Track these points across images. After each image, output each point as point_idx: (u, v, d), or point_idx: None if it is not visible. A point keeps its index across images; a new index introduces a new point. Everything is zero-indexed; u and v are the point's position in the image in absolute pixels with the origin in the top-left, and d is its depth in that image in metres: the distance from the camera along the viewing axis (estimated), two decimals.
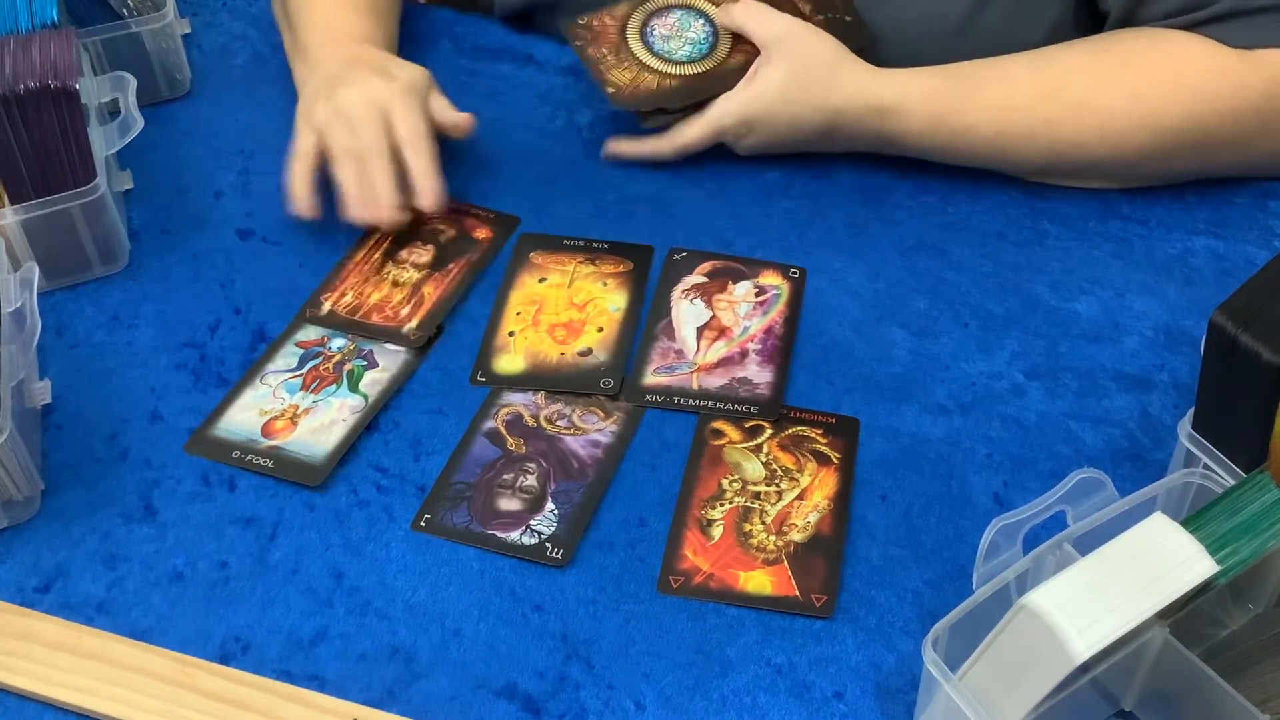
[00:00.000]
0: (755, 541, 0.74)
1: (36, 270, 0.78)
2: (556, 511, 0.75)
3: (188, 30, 1.08)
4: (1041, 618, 0.57)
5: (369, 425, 0.80)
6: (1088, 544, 0.62)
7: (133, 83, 0.92)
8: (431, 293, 0.88)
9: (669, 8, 0.92)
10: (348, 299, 0.88)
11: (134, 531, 0.75)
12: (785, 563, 0.73)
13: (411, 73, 0.93)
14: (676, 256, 0.90)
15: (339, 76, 0.92)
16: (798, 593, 0.71)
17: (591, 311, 0.87)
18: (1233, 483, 0.64)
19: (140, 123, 0.89)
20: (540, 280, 0.89)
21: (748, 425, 0.80)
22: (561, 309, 0.87)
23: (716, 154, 0.98)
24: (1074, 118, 0.88)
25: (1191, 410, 0.70)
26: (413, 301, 0.87)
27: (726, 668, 0.69)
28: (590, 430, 0.79)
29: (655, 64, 0.92)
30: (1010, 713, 0.59)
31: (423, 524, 0.76)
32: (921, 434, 0.80)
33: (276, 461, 0.78)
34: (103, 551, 0.75)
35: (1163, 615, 0.60)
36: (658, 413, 0.81)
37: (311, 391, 0.82)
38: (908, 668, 0.69)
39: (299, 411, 0.81)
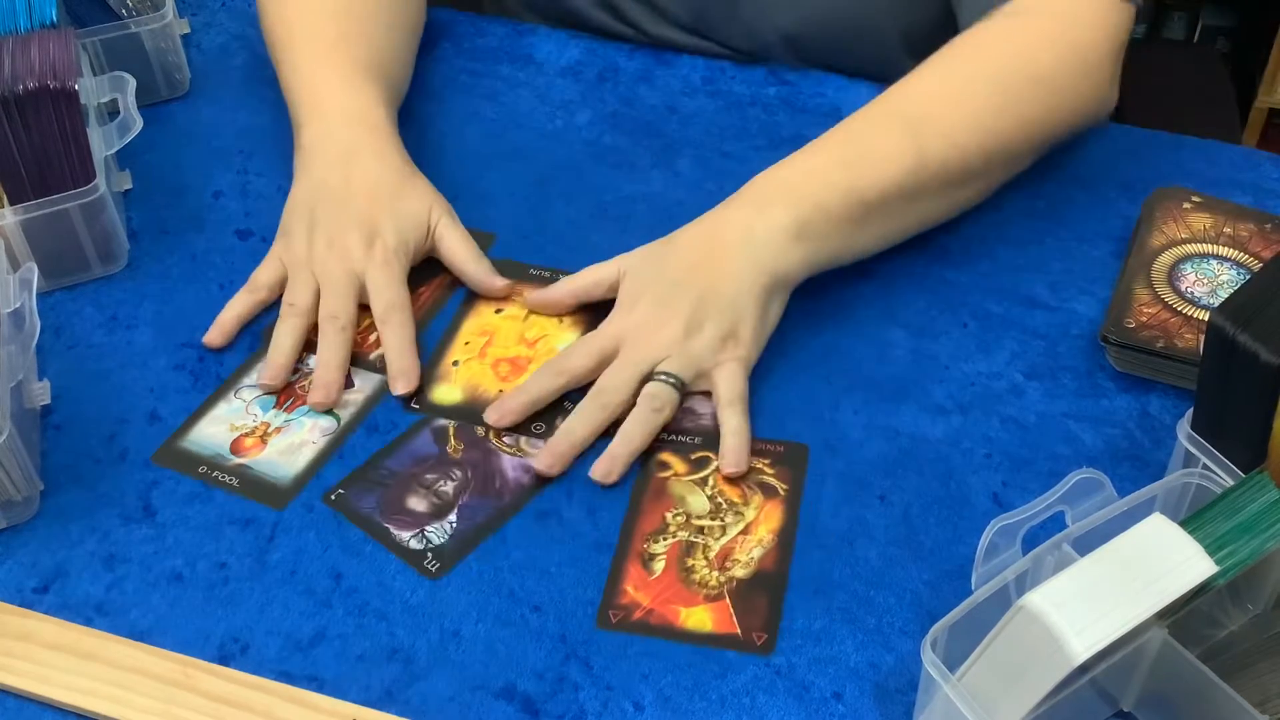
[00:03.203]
0: (697, 577, 0.72)
1: (35, 271, 0.78)
2: (455, 524, 0.75)
3: (187, 30, 1.08)
4: (1040, 618, 0.57)
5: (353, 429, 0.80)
6: (1087, 544, 0.62)
7: (132, 83, 0.92)
8: None
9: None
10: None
11: (133, 532, 0.75)
12: (727, 599, 0.72)
13: (404, 225, 0.86)
14: None
15: (326, 213, 0.86)
16: (738, 630, 0.70)
17: (540, 349, 0.84)
18: (1232, 483, 0.64)
19: (139, 123, 0.89)
20: (496, 311, 0.87)
21: (694, 457, 0.78)
22: (511, 344, 0.85)
23: (716, 154, 0.98)
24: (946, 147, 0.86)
25: (1190, 410, 0.70)
26: None
27: (725, 668, 0.69)
28: (530, 454, 0.78)
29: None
30: (1009, 713, 0.59)
31: (333, 498, 0.76)
32: (920, 434, 0.80)
33: (242, 480, 0.77)
34: (102, 552, 0.75)
35: (1162, 616, 0.60)
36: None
37: (285, 410, 0.81)
38: (907, 668, 0.69)
39: (270, 430, 0.80)
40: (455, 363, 0.84)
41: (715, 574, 0.72)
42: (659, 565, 0.73)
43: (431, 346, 0.85)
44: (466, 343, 0.85)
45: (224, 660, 0.70)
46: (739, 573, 0.73)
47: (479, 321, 0.87)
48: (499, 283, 0.87)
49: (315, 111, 0.91)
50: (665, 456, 0.78)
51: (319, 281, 0.85)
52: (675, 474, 0.77)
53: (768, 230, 0.81)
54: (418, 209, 0.88)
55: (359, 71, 0.93)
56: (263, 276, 0.87)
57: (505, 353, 0.84)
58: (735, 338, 0.80)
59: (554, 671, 0.69)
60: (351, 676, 0.69)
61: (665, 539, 0.74)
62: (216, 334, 0.85)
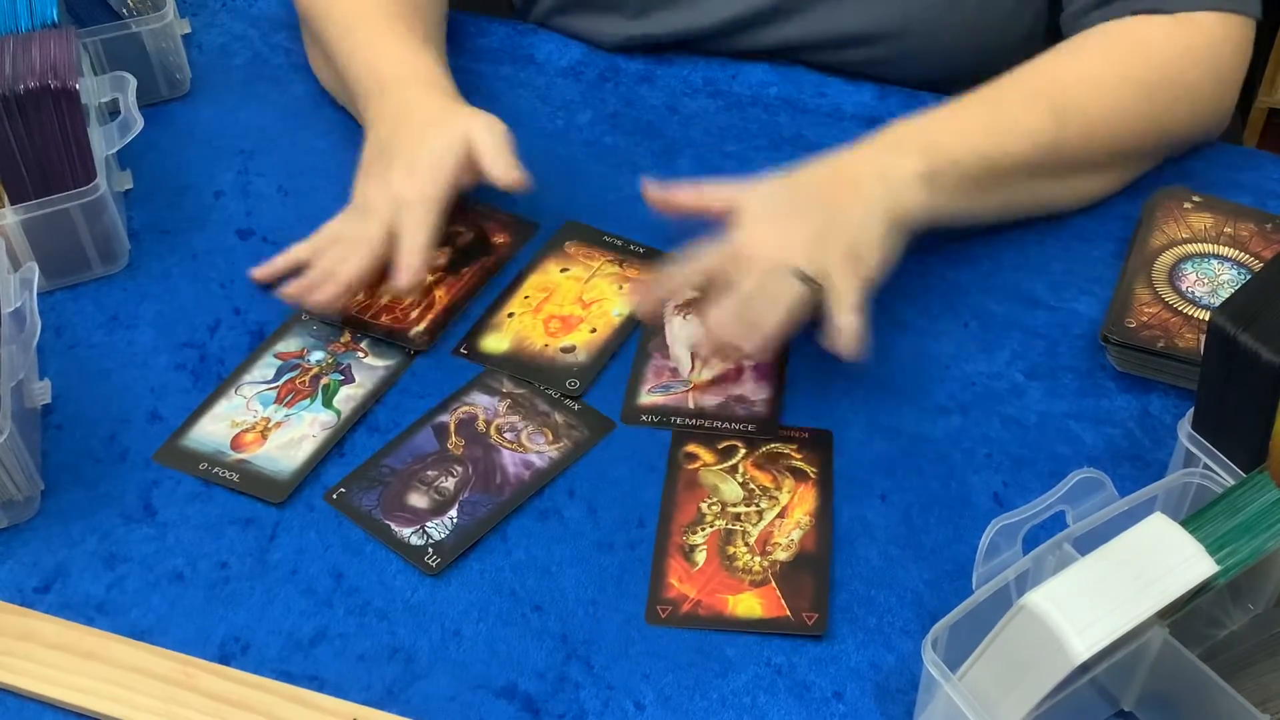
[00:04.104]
0: (740, 564, 0.73)
1: (36, 270, 0.78)
2: (456, 520, 0.75)
3: (188, 30, 1.08)
4: (1041, 618, 0.57)
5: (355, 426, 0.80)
6: (1087, 544, 0.62)
7: (133, 83, 0.92)
8: (443, 296, 0.87)
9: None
10: (359, 296, 0.87)
11: (134, 531, 0.75)
12: (773, 583, 0.72)
13: (439, 146, 0.86)
14: None
15: (380, 161, 0.88)
16: (789, 613, 0.71)
17: (594, 312, 0.86)
18: (1232, 483, 0.64)
19: (140, 123, 0.89)
20: (562, 270, 0.89)
21: (721, 446, 0.79)
22: (567, 302, 0.87)
23: (716, 154, 0.98)
24: (1080, 125, 0.88)
25: (1191, 410, 0.70)
26: (423, 304, 0.87)
27: (726, 668, 0.69)
28: (530, 450, 0.79)
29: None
30: (1010, 713, 0.59)
31: (335, 497, 0.76)
32: (921, 434, 0.80)
33: (242, 476, 0.77)
34: (103, 551, 0.75)
35: (1162, 615, 0.60)
36: (633, 427, 0.80)
37: (285, 405, 0.81)
38: (907, 668, 0.69)
39: (270, 425, 0.80)
40: (510, 314, 0.86)
41: (758, 559, 0.73)
42: (700, 556, 0.73)
43: (492, 298, 0.87)
44: (526, 297, 0.88)
45: (225, 660, 0.70)
46: (781, 556, 0.73)
47: (542, 278, 0.89)
48: (515, 174, 0.86)
49: (378, 85, 0.92)
50: (692, 448, 0.79)
51: (360, 213, 0.86)
52: (704, 464, 0.78)
53: (900, 172, 0.82)
54: (454, 130, 0.87)
55: (418, 41, 0.95)
56: (329, 228, 0.88)
57: (559, 310, 0.86)
58: (860, 258, 0.79)
59: (555, 671, 0.69)
60: (352, 676, 0.69)
61: (703, 529, 0.74)
62: (265, 270, 0.87)
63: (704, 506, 0.76)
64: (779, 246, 0.79)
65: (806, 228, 0.79)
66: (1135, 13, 0.91)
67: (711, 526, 0.75)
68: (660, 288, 0.81)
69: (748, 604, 0.71)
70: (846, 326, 0.77)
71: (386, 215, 0.85)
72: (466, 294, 0.88)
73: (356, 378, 0.83)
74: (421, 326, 0.85)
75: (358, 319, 0.86)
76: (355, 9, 0.97)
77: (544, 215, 0.94)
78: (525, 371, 0.83)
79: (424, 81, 0.92)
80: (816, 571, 0.72)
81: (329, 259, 0.85)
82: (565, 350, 0.84)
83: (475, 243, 0.91)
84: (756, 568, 0.73)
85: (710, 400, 0.81)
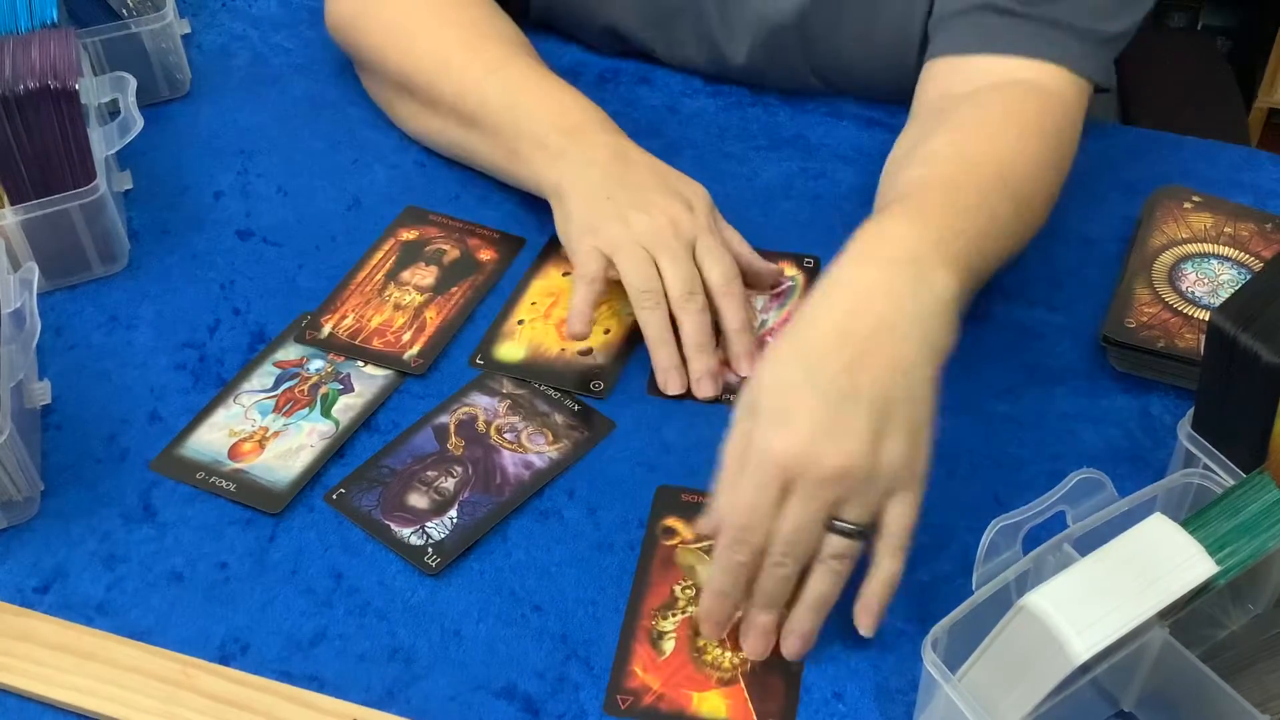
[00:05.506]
0: (709, 658, 0.68)
1: (36, 271, 0.78)
2: (456, 520, 0.75)
3: (188, 30, 1.08)
4: (1041, 618, 0.57)
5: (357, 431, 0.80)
6: (1087, 544, 0.62)
7: (132, 83, 0.92)
8: (434, 317, 0.86)
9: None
10: (348, 321, 0.86)
11: (133, 532, 0.75)
12: (741, 683, 0.67)
13: (701, 192, 0.85)
14: None
15: (629, 194, 0.83)
16: (755, 717, 0.66)
17: (604, 312, 0.86)
18: (1232, 483, 0.64)
19: (140, 123, 0.89)
20: (565, 274, 0.89)
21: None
22: None
23: (716, 154, 0.98)
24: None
25: (1191, 410, 0.70)
26: (414, 326, 0.86)
27: None
28: (530, 450, 0.78)
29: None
30: (1010, 713, 0.59)
31: (334, 498, 0.76)
32: None
33: (239, 486, 0.77)
34: (102, 552, 0.75)
35: (1163, 616, 0.60)
36: (632, 427, 0.80)
37: (283, 414, 0.81)
38: (907, 668, 0.69)
39: (268, 434, 0.80)
40: (520, 321, 0.86)
41: (728, 655, 0.68)
42: (668, 645, 0.69)
43: (499, 306, 0.87)
44: (533, 303, 0.87)
45: (224, 660, 0.70)
46: None
47: (546, 284, 0.89)
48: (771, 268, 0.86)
49: (563, 125, 0.88)
50: (670, 522, 0.75)
51: (656, 256, 0.81)
52: (682, 541, 0.74)
53: (935, 300, 0.68)
54: (700, 187, 0.86)
55: (562, 81, 0.92)
56: (590, 269, 0.82)
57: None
58: (917, 451, 0.66)
59: (554, 671, 0.69)
60: (352, 676, 0.69)
61: (674, 615, 0.70)
62: (580, 323, 0.81)
63: (677, 589, 0.71)
64: (833, 467, 0.64)
65: (856, 429, 0.64)
66: (1000, 51, 0.86)
67: (684, 612, 0.70)
68: (727, 603, 0.67)
69: (712, 704, 0.67)
70: (885, 570, 0.67)
71: (693, 262, 0.82)
72: (458, 313, 0.87)
73: (355, 387, 0.83)
74: (415, 349, 0.84)
75: (348, 344, 0.85)
76: (489, 50, 0.93)
77: (546, 215, 0.94)
78: (546, 377, 0.82)
79: (615, 130, 0.89)
80: (788, 674, 0.68)
81: (666, 327, 0.81)
82: (583, 353, 0.84)
83: (462, 260, 0.90)
84: (726, 664, 0.68)
85: (735, 376, 0.82)
